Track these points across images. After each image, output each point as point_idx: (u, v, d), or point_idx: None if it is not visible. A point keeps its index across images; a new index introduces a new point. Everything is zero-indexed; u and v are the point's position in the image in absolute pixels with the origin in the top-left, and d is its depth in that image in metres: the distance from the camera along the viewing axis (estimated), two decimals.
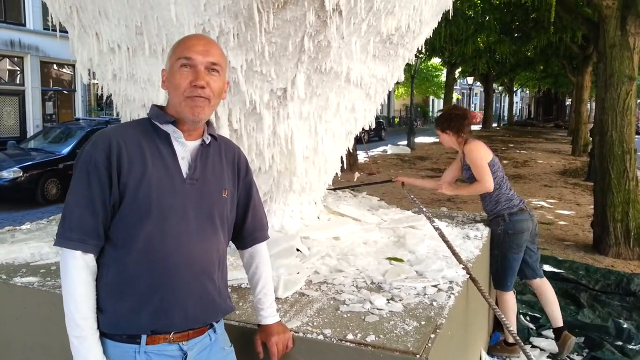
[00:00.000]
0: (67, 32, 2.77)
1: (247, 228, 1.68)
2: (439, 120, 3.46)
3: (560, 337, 3.38)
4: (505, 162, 14.37)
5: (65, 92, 18.36)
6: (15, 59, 16.33)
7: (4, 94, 15.99)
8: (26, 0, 16.24)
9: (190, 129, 1.48)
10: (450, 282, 2.33)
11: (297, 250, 2.68)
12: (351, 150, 3.73)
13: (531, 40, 16.31)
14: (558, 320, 3.41)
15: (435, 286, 2.27)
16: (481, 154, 3.22)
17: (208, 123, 1.54)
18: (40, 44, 16.40)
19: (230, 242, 1.67)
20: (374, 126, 3.43)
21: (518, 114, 59.85)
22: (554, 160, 16.37)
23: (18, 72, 16.51)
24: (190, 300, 1.44)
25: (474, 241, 3.11)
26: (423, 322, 1.89)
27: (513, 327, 3.22)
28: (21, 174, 9.28)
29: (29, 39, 16.22)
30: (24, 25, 16.35)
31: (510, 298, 3.35)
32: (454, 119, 3.35)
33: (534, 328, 3.86)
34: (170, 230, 1.41)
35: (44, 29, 16.14)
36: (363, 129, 3.33)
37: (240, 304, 2.08)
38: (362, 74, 2.76)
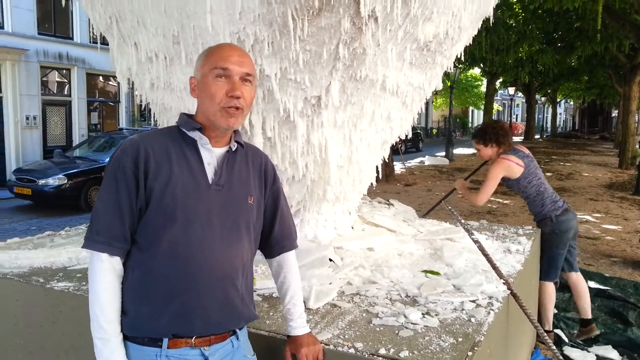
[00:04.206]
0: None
1: (274, 236, 1.65)
2: (481, 134, 3.64)
3: (586, 327, 3.67)
4: (548, 174, 13.92)
5: (110, 103, 18.96)
6: (64, 71, 16.96)
7: (52, 105, 16.61)
8: (75, 15, 16.88)
9: (218, 135, 1.49)
10: (490, 297, 2.23)
11: (330, 260, 2.63)
12: (387, 160, 3.70)
13: (575, 50, 15.84)
14: (587, 312, 3.68)
15: (473, 301, 2.18)
16: (496, 174, 3.47)
17: (235, 130, 1.54)
18: (86, 56, 17.00)
19: (260, 250, 1.64)
20: (410, 135, 3.40)
21: (562, 125, 58.12)
22: (600, 173, 15.75)
23: (65, 84, 17.16)
24: (211, 306, 1.43)
25: (515, 255, 2.99)
26: (460, 339, 1.81)
27: (550, 315, 3.59)
28: (66, 181, 9.62)
29: (76, 52, 16.84)
30: (72, 38, 17.00)
31: (550, 288, 3.59)
32: (500, 132, 3.58)
33: (580, 343, 3.68)
34: (194, 235, 1.41)
35: (90, 42, 16.74)
36: (400, 139, 3.28)
37: (271, 313, 2.04)
38: (398, 82, 2.70)
